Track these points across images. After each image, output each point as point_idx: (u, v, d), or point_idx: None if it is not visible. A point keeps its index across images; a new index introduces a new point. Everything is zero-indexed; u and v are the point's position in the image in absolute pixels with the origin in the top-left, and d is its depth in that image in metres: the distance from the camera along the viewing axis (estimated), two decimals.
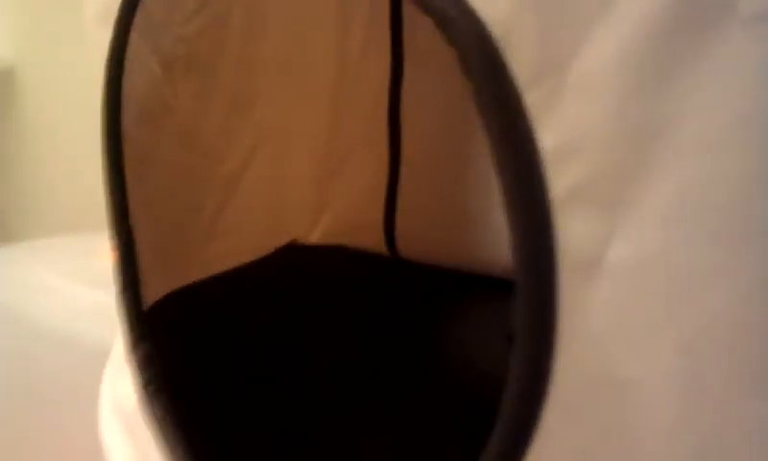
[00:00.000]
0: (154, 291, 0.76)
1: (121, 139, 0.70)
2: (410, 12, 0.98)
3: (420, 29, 0.98)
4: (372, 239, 1.07)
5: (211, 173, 0.92)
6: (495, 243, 0.99)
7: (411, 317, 0.97)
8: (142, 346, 0.69)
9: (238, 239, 0.97)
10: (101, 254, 0.84)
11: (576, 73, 0.39)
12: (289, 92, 0.98)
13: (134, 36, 0.70)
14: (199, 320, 0.82)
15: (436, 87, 0.99)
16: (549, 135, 0.40)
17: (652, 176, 0.39)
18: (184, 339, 0.78)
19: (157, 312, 0.72)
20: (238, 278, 0.94)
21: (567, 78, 0.39)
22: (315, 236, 1.10)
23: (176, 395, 0.65)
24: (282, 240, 1.06)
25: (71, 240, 1.47)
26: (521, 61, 0.41)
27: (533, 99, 0.41)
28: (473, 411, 0.62)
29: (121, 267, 0.70)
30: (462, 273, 1.01)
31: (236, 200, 0.95)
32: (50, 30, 1.93)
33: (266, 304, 0.95)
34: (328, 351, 0.91)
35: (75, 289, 1.23)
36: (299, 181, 1.04)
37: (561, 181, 0.40)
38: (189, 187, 0.86)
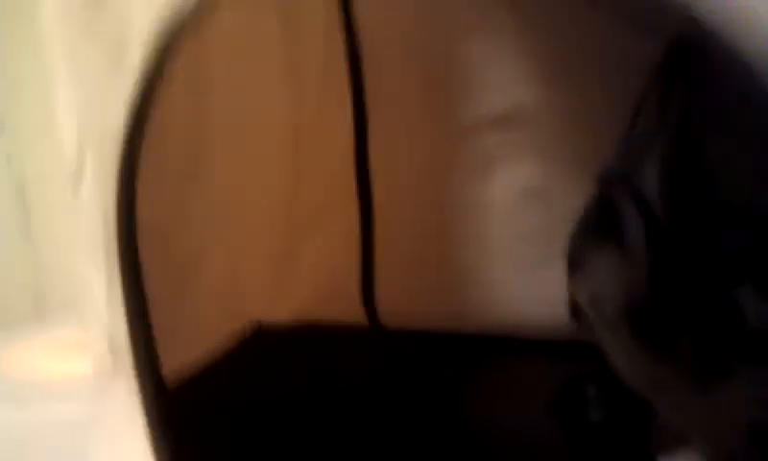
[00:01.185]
0: None
1: None
2: (370, 55, 0.88)
3: (383, 72, 0.88)
4: (348, 311, 0.95)
5: (165, 257, 0.79)
6: (490, 301, 0.90)
7: (407, 393, 0.86)
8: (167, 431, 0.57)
9: (200, 331, 0.84)
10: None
11: None
12: (242, 159, 0.86)
13: None
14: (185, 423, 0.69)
15: (406, 134, 0.89)
16: None
17: None
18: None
19: None
20: (207, 378, 0.81)
21: None
22: (282, 315, 0.98)
23: None
24: (245, 325, 0.93)
25: None
26: None
27: None
28: None
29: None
30: (455, 336, 0.91)
31: (196, 285, 0.83)
32: None
33: (242, 403, 0.83)
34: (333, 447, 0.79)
35: None
36: (259, 257, 0.92)
37: None
38: (149, 276, 0.73)
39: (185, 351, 0.83)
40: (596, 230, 0.65)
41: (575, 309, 0.65)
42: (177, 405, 0.64)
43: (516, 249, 0.87)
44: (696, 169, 0.52)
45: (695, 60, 0.50)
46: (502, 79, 0.83)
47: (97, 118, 0.61)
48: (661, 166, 0.56)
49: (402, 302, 0.93)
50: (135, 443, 0.61)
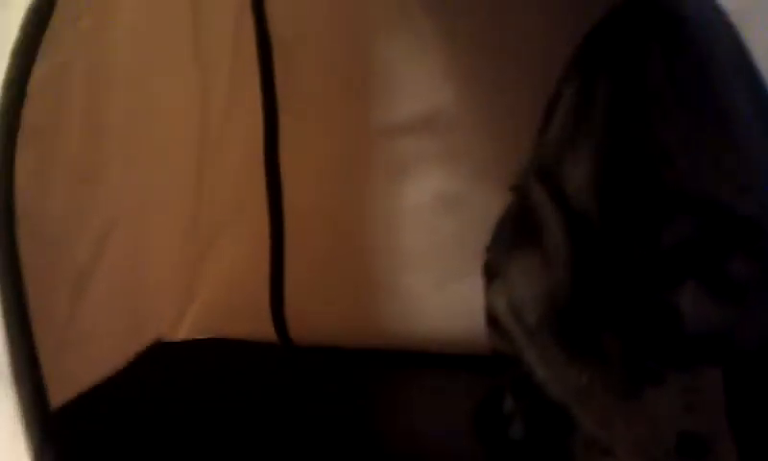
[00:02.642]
0: None
1: None
2: (282, 51, 0.84)
3: (295, 71, 0.84)
4: (255, 327, 0.90)
5: (60, 266, 0.73)
6: (406, 313, 0.86)
7: (318, 411, 0.81)
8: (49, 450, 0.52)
9: (93, 348, 0.78)
10: None
11: None
12: (144, 159, 0.81)
13: None
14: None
15: (320, 141, 0.85)
16: None
17: None
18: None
19: None
20: (106, 393, 0.75)
21: None
22: (183, 331, 0.92)
23: None
24: (144, 342, 0.87)
25: None
26: None
27: None
28: None
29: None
30: (368, 351, 0.87)
31: (89, 299, 0.77)
32: None
33: (139, 421, 0.77)
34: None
35: None
36: (161, 268, 0.87)
37: None
38: (37, 288, 0.66)
39: (78, 368, 0.77)
40: (514, 234, 0.62)
41: (493, 321, 0.62)
42: (63, 424, 0.58)
43: (432, 258, 0.84)
44: (640, 158, 0.50)
45: (660, 23, 0.48)
46: (419, 81, 0.81)
47: None
48: (596, 159, 0.54)
49: (313, 315, 0.89)
50: None
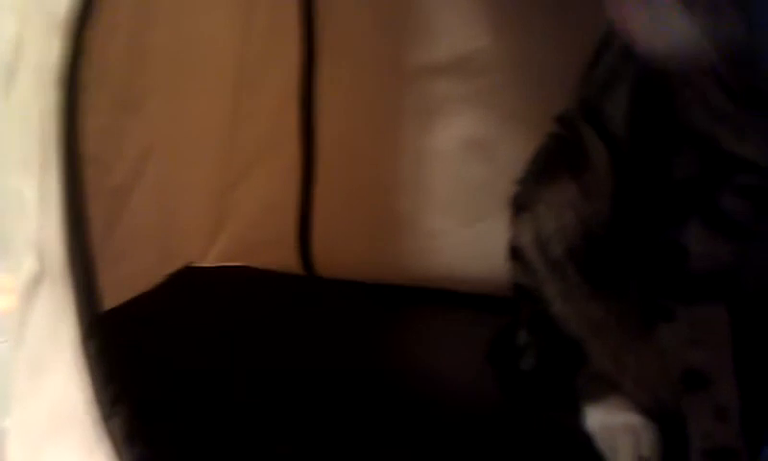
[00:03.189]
0: None
1: None
2: None
3: (336, 12, 0.86)
4: (282, 257, 0.93)
5: (97, 185, 0.76)
6: (429, 251, 0.88)
7: (340, 343, 0.84)
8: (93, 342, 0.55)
9: (126, 268, 0.81)
10: None
11: None
12: (184, 89, 0.83)
13: None
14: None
15: (355, 78, 0.87)
16: None
17: None
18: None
19: None
20: (136, 311, 0.78)
21: None
22: (212, 257, 0.95)
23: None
24: (175, 265, 0.90)
25: None
26: None
27: None
28: None
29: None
30: (392, 286, 0.89)
31: (124, 221, 0.79)
32: None
33: (166, 341, 0.79)
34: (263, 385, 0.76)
35: None
36: (195, 194, 0.89)
37: None
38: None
39: (112, 285, 0.80)
40: (551, 165, 0.64)
41: (517, 253, 0.65)
42: (106, 331, 0.60)
43: (457, 200, 0.86)
44: (661, 90, 0.52)
45: None
46: (453, 24, 0.82)
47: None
48: (630, 92, 0.56)
49: (339, 249, 0.92)
50: (58, 364, 0.58)
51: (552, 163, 0.64)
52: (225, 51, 0.86)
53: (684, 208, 0.51)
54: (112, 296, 0.78)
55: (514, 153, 0.72)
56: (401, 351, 0.82)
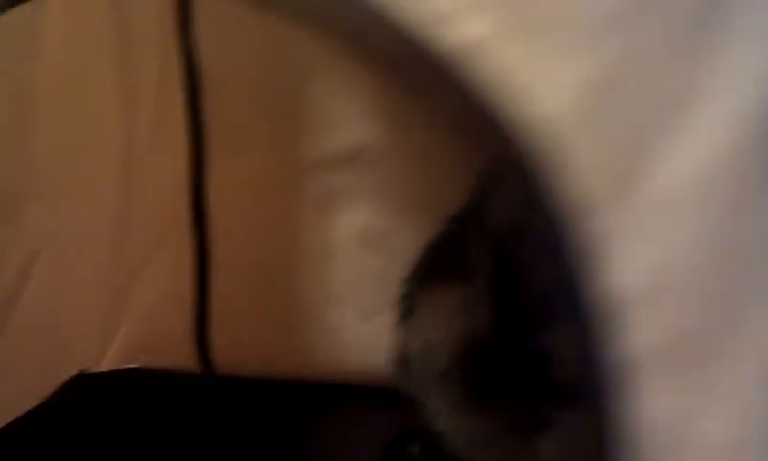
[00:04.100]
0: None
1: None
2: (210, 81, 0.84)
3: (224, 101, 0.84)
4: (179, 356, 0.90)
5: None
6: (330, 345, 0.86)
7: (240, 442, 0.81)
8: None
9: (16, 380, 0.77)
10: None
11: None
12: (69, 191, 0.81)
13: None
14: None
15: (247, 170, 0.85)
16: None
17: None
18: None
19: None
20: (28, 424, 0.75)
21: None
22: (106, 362, 0.91)
23: None
24: (68, 373, 0.86)
25: None
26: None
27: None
28: None
29: None
30: (293, 383, 0.87)
31: (11, 331, 0.76)
32: None
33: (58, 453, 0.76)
34: None
35: None
36: (84, 300, 0.86)
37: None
38: None
39: (1, 398, 0.76)
40: (437, 267, 0.63)
41: (403, 360, 0.63)
42: None
43: (356, 293, 0.85)
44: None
45: None
46: (347, 115, 0.81)
47: None
48: (508, 195, 0.55)
49: (238, 345, 0.89)
50: None
51: (438, 265, 0.63)
52: (110, 149, 0.84)
53: (545, 316, 0.50)
54: (2, 408, 0.75)
55: (408, 244, 0.71)
56: (299, 450, 0.80)
